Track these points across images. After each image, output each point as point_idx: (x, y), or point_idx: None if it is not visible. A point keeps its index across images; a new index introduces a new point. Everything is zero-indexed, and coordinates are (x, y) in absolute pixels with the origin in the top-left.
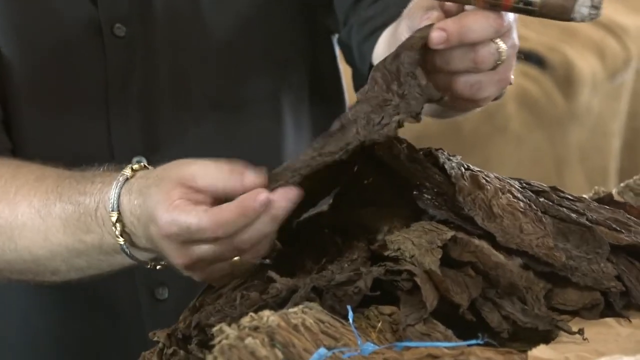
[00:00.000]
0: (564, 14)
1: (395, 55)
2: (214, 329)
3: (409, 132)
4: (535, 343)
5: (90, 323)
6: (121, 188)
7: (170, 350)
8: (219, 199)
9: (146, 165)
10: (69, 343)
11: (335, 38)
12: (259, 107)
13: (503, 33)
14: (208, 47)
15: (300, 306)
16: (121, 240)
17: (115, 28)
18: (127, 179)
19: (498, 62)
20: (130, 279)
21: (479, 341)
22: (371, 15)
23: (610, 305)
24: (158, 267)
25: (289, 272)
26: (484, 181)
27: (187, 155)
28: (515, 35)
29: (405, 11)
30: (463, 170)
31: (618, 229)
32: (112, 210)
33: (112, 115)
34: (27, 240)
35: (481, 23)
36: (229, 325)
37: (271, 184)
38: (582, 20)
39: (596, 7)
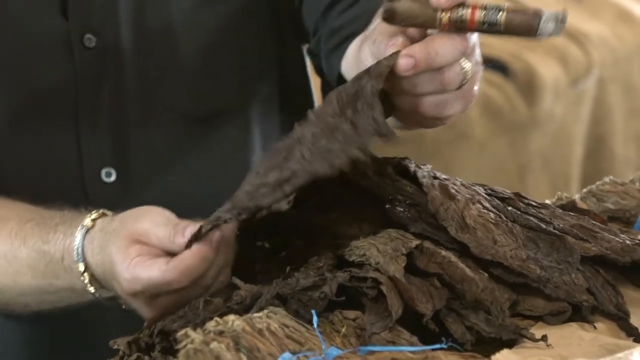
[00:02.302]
0: (530, 32)
1: (357, 79)
2: (179, 334)
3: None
4: (498, 348)
5: (57, 330)
6: (83, 239)
7: (133, 357)
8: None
9: (104, 212)
10: (36, 350)
11: (305, 48)
12: (228, 118)
13: (467, 53)
14: (177, 58)
15: (265, 311)
16: (92, 288)
17: (85, 39)
18: (87, 230)
19: (463, 82)
20: None
21: (443, 345)
22: (340, 25)
23: (575, 310)
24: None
25: (252, 276)
26: (453, 191)
27: (157, 166)
28: (478, 51)
29: (367, 34)
30: (432, 179)
31: (584, 237)
32: (78, 262)
33: (82, 126)
34: None
35: (448, 47)
36: (194, 330)
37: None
38: (549, 36)
39: (562, 21)
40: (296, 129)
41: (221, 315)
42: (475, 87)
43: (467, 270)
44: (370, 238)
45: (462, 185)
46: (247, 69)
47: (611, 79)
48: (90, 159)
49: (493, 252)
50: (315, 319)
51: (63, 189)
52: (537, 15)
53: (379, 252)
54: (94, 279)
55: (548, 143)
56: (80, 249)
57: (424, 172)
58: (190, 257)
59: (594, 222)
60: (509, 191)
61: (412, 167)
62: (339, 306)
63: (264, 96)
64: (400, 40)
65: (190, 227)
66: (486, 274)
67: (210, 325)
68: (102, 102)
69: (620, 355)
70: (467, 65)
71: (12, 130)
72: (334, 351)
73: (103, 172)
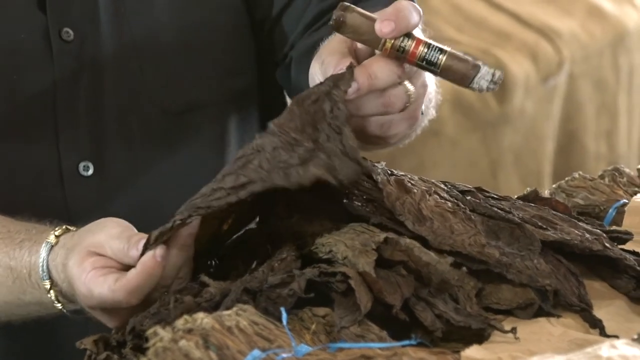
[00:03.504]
0: (462, 82)
1: (315, 100)
2: (148, 332)
3: None
4: (468, 343)
5: (27, 330)
6: (47, 256)
7: (102, 356)
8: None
9: (68, 227)
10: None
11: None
12: (205, 113)
13: (412, 75)
14: (156, 52)
15: (234, 308)
16: (59, 305)
17: (63, 32)
18: (51, 247)
19: (407, 104)
20: None
21: (412, 341)
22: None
23: (542, 307)
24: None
25: (223, 278)
26: (409, 184)
27: (135, 160)
28: (422, 74)
29: (318, 51)
30: (388, 175)
31: (544, 226)
32: (44, 279)
33: (60, 120)
34: None
35: (385, 71)
36: (163, 328)
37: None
38: (479, 91)
39: (495, 82)
40: (257, 139)
41: (191, 314)
42: (422, 108)
43: (432, 254)
44: (335, 234)
45: (420, 179)
46: (225, 64)
47: (582, 75)
48: (67, 152)
49: (451, 242)
50: (284, 316)
51: (40, 183)
52: (475, 67)
53: (347, 247)
54: (60, 295)
55: (519, 139)
56: (45, 266)
57: (378, 169)
58: (136, 277)
59: (554, 212)
60: (470, 185)
61: (367, 165)
62: (308, 303)
63: (241, 92)
64: (347, 59)
65: (144, 240)
66: (450, 258)
67: (179, 323)
68: (80, 96)
69: (589, 349)
70: (411, 87)
71: None
72: (304, 348)
73: (81, 165)
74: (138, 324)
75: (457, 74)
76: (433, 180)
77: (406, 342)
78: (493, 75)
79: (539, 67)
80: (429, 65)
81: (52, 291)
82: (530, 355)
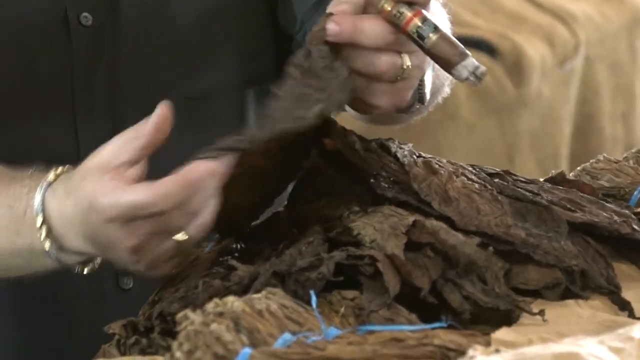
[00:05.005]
0: (446, 65)
1: (306, 53)
2: (178, 316)
3: (357, 125)
4: (497, 325)
5: (51, 314)
6: (45, 192)
7: (131, 340)
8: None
9: (70, 167)
10: (27, 335)
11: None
12: (224, 98)
13: (410, 52)
14: (174, 37)
15: (264, 292)
16: (47, 244)
17: (82, 17)
18: (50, 184)
19: (398, 77)
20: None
21: (443, 324)
22: None
23: (568, 288)
24: (85, 270)
25: (249, 263)
26: (437, 166)
27: None
28: (423, 57)
29: None
30: (415, 157)
31: (572, 209)
32: (37, 215)
33: (78, 105)
34: None
35: (375, 30)
36: (193, 311)
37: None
38: (458, 79)
39: (477, 76)
40: (265, 109)
41: (220, 298)
42: (410, 92)
43: (460, 235)
44: (363, 217)
45: (448, 162)
46: (244, 47)
47: (598, 57)
48: (86, 138)
49: (477, 222)
50: (314, 299)
51: None
52: (461, 56)
53: (375, 230)
54: (51, 234)
55: (536, 123)
56: (40, 201)
57: (405, 151)
58: (174, 182)
59: (582, 194)
60: (497, 169)
61: (394, 147)
62: (337, 286)
63: (260, 77)
64: (343, 7)
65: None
66: (477, 239)
67: (210, 306)
68: (98, 81)
69: (621, 331)
70: (408, 62)
71: (6, 112)
72: (333, 331)
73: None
74: (165, 308)
75: (443, 56)
76: (461, 163)
77: (436, 324)
78: (476, 68)
79: (555, 50)
80: (420, 39)
81: (42, 228)
82: (560, 337)
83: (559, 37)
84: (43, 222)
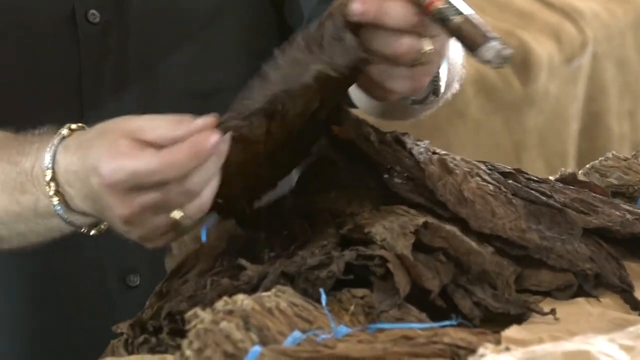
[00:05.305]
0: (470, 47)
1: (320, 25)
2: (188, 314)
3: (368, 118)
4: (507, 324)
5: (57, 311)
6: (57, 146)
7: (140, 339)
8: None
9: (83, 126)
10: (35, 332)
11: None
12: (231, 95)
13: (432, 36)
14: (181, 35)
15: (274, 290)
16: (55, 200)
17: (90, 14)
18: (63, 138)
19: (416, 62)
20: (99, 265)
21: (453, 322)
22: None
23: (580, 285)
24: (92, 232)
25: (259, 258)
26: (452, 165)
27: None
28: (444, 42)
29: None
30: (430, 154)
31: (585, 211)
32: (47, 169)
33: (86, 102)
34: None
35: (399, 12)
36: (203, 310)
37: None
38: (483, 62)
39: (502, 57)
40: (263, 69)
41: (229, 296)
42: (428, 78)
43: (473, 244)
44: (374, 215)
45: (462, 160)
46: (251, 44)
47: (605, 55)
48: None
49: (491, 225)
50: (323, 297)
51: None
52: (485, 37)
53: (385, 229)
54: (58, 192)
55: (543, 121)
56: (51, 155)
57: (421, 148)
58: (182, 150)
59: (594, 195)
60: (509, 167)
61: (410, 143)
62: (346, 285)
63: None
64: None
65: (193, 122)
66: (491, 248)
67: (219, 304)
68: (105, 78)
69: (631, 329)
70: (427, 47)
71: (14, 109)
72: (343, 329)
73: None
74: (174, 307)
75: (467, 37)
76: (474, 162)
77: (446, 322)
78: (502, 49)
79: (562, 47)
80: (443, 22)
81: (51, 183)
82: (571, 336)
83: (567, 34)
84: (52, 178)
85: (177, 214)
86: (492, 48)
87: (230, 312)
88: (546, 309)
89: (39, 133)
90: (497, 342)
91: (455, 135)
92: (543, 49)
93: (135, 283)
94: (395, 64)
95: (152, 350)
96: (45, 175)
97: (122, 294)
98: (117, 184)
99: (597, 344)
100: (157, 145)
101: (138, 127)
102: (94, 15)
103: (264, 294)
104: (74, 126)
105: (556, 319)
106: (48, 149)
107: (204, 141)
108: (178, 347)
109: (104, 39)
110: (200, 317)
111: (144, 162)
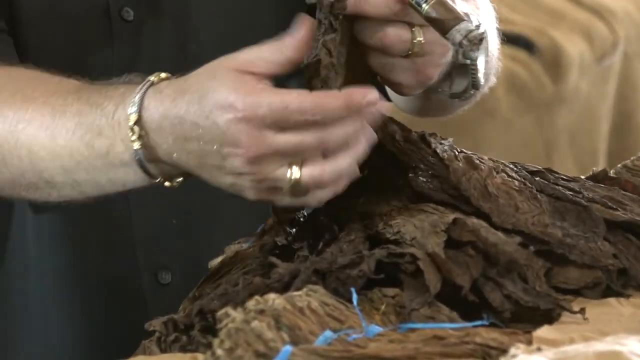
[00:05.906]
0: (442, 31)
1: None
2: (219, 313)
3: (398, 117)
4: (538, 324)
5: (91, 309)
6: (145, 92)
7: (172, 337)
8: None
9: (170, 76)
10: (70, 329)
11: None
12: None
13: (410, 19)
14: (212, 39)
15: (305, 289)
16: (137, 145)
17: (124, 12)
18: (152, 84)
19: (409, 51)
20: (132, 263)
21: (484, 322)
22: None
23: (610, 286)
24: (166, 183)
25: (288, 260)
26: (478, 162)
27: None
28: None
29: None
30: (456, 152)
31: (614, 207)
32: (132, 113)
33: None
34: (31, 136)
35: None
36: (234, 309)
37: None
38: (452, 45)
39: (470, 40)
40: None
41: (260, 295)
42: (435, 69)
43: (500, 234)
44: (404, 214)
45: (489, 159)
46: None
47: (636, 54)
48: None
49: (514, 220)
50: (355, 297)
51: None
52: (456, 19)
53: (416, 227)
54: (141, 137)
55: (574, 120)
56: (139, 98)
57: (445, 146)
58: (337, 97)
59: (624, 192)
60: (539, 166)
61: (434, 142)
62: (377, 284)
63: (291, 74)
64: None
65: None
66: (518, 238)
67: (251, 304)
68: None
69: None
70: (419, 37)
71: None
72: (375, 329)
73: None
74: (206, 305)
75: (439, 21)
76: (502, 161)
77: (478, 322)
78: (469, 31)
79: (593, 46)
80: (417, 5)
81: (135, 127)
82: (602, 336)
83: (597, 33)
84: (136, 122)
85: (295, 171)
86: (462, 29)
87: (261, 312)
88: (576, 308)
89: (123, 81)
90: (529, 343)
91: (484, 135)
92: (574, 47)
93: (166, 281)
94: (386, 54)
95: (183, 349)
96: (129, 120)
97: (154, 291)
98: (256, 118)
99: (629, 344)
100: (266, 78)
101: (247, 60)
102: (128, 12)
103: (295, 293)
104: (163, 75)
105: (585, 318)
106: (136, 93)
107: (360, 96)
108: (209, 345)
109: (137, 36)
110: (232, 317)
111: (295, 98)
